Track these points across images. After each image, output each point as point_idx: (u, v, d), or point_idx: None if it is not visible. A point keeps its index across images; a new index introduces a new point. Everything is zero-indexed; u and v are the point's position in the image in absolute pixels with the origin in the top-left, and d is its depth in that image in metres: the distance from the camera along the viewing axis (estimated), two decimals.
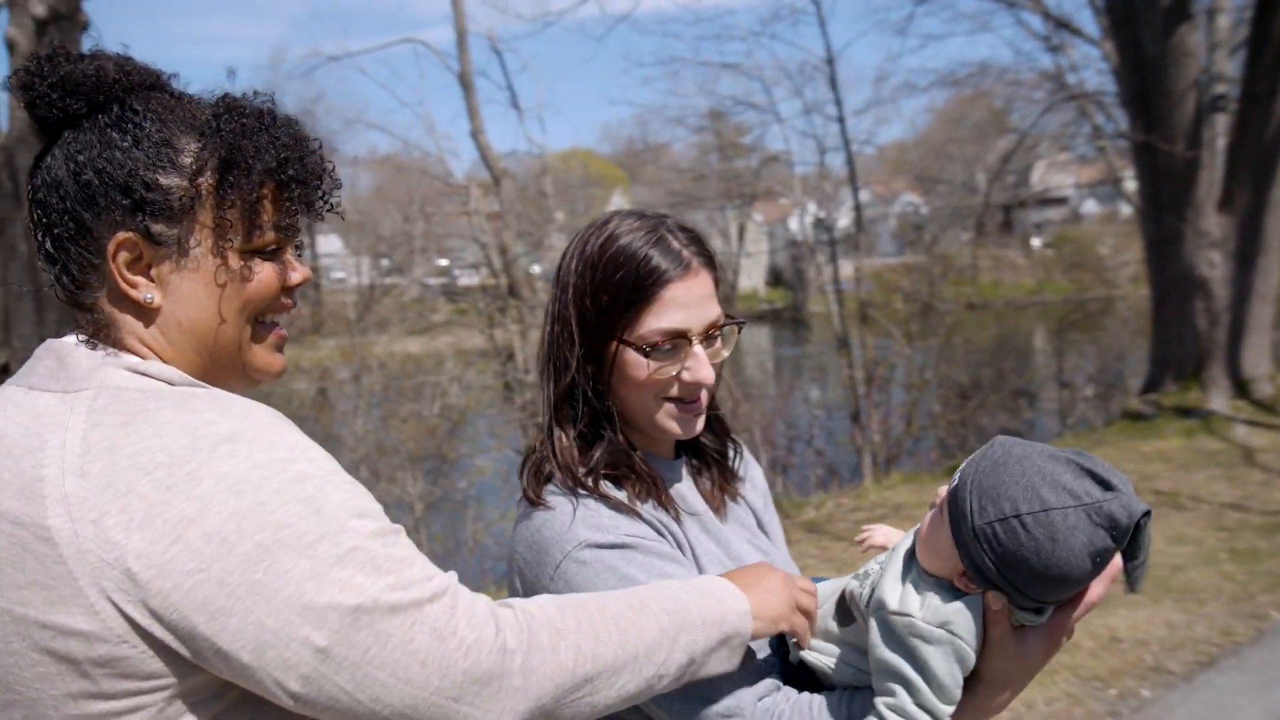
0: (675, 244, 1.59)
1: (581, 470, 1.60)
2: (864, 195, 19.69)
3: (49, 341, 1.27)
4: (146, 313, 1.27)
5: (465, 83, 14.28)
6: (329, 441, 10.78)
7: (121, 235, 1.23)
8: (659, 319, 1.57)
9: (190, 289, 1.27)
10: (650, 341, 1.57)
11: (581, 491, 1.58)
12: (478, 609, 1.20)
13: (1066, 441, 12.06)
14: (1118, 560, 1.32)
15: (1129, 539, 1.27)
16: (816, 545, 9.12)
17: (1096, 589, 1.36)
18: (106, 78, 1.25)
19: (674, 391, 1.61)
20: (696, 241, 1.62)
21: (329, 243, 50.99)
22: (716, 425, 1.81)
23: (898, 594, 1.41)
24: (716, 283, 1.64)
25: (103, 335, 1.26)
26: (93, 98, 1.25)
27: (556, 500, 1.58)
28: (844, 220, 22.81)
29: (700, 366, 1.60)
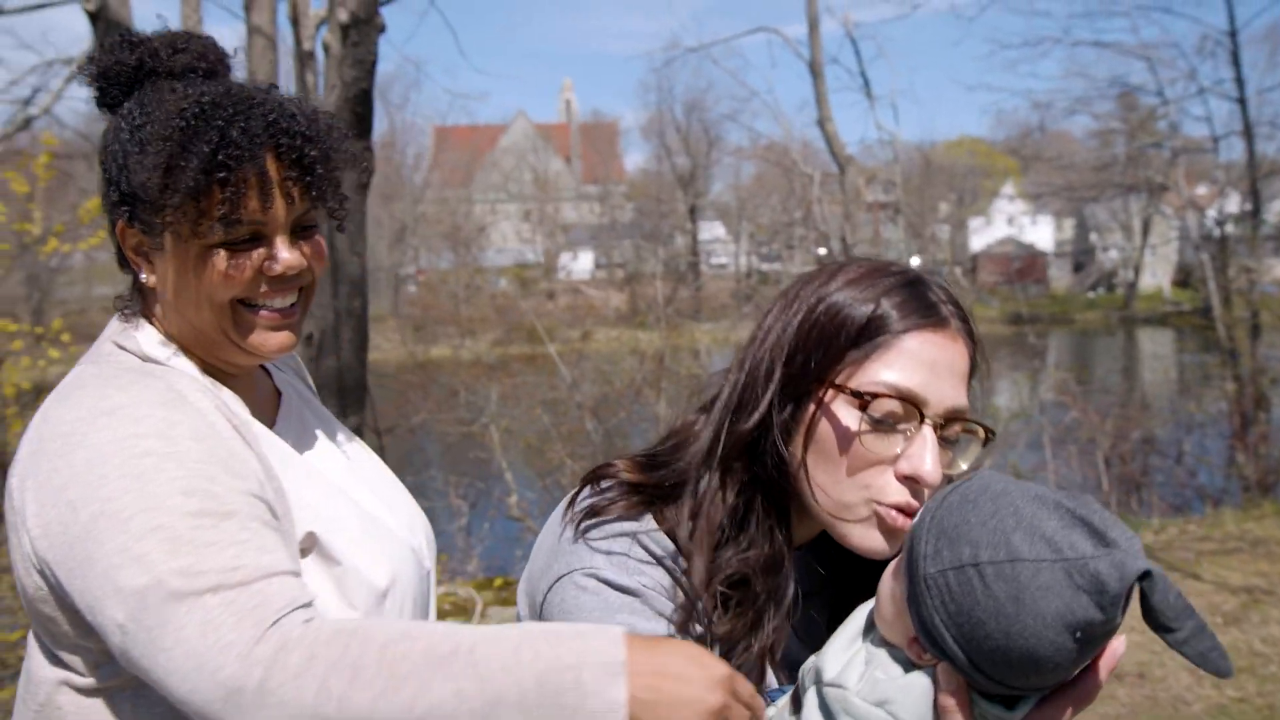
0: (933, 295, 1.26)
1: (700, 565, 1.23)
2: None
3: None
4: (156, 290, 1.37)
5: (815, 70, 14.22)
6: (643, 423, 11.24)
7: (121, 222, 1.34)
8: (889, 369, 1.21)
9: (171, 276, 1.34)
10: (871, 394, 1.20)
11: (666, 563, 1.24)
12: (263, 609, 1.08)
13: None
14: (1119, 645, 1.01)
15: (1124, 610, 0.95)
16: None
17: (1096, 681, 1.02)
18: (126, 68, 1.36)
19: (881, 485, 1.22)
20: (958, 306, 1.28)
21: (712, 228, 52.91)
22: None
23: (841, 662, 1.13)
24: (973, 369, 1.28)
25: (135, 307, 1.42)
26: (125, 87, 1.37)
27: (620, 532, 1.25)
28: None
29: (926, 456, 1.19)
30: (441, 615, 8.48)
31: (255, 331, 1.37)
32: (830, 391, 1.22)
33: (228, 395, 1.38)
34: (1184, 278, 47.68)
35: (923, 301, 1.24)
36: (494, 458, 11.36)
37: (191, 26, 5.50)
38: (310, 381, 1.74)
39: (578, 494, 1.33)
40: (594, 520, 1.26)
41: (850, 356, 1.22)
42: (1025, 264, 56.83)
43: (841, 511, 1.23)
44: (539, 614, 1.26)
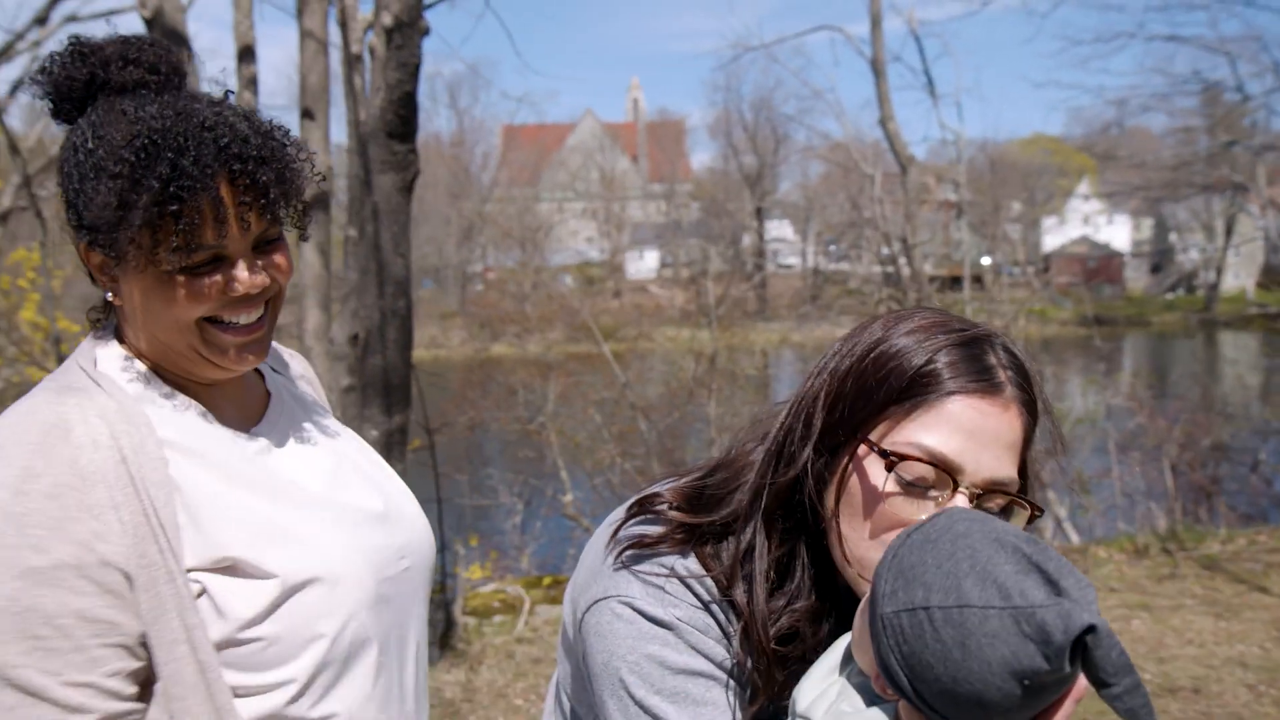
0: (992, 359, 1.21)
1: (758, 615, 1.24)
2: None
3: None
4: (123, 308, 1.38)
5: (877, 69, 14.05)
6: (697, 423, 11.22)
7: (82, 244, 1.34)
8: (926, 431, 1.17)
9: (137, 297, 1.35)
10: (900, 455, 1.17)
11: (710, 605, 1.25)
12: None
13: None
14: (1081, 686, 0.99)
15: (1076, 660, 0.94)
16: (1205, 584, 8.01)
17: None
18: (78, 83, 1.35)
19: None
20: (1023, 374, 1.23)
21: (779, 228, 52.62)
22: None
23: (815, 693, 1.15)
24: (1028, 443, 1.23)
25: (108, 321, 1.45)
26: (78, 102, 1.36)
27: (662, 567, 1.26)
28: None
29: None
30: (489, 612, 8.58)
31: (224, 348, 1.38)
32: (864, 447, 1.20)
33: (168, 414, 1.38)
34: (1270, 279, 46.13)
35: (978, 364, 1.20)
36: (549, 456, 11.43)
37: (243, 31, 5.62)
38: (315, 384, 1.76)
39: (625, 520, 1.34)
40: (637, 551, 1.27)
41: (890, 411, 1.20)
42: (1100, 264, 55.59)
43: (863, 569, 1.20)
44: (578, 629, 1.29)
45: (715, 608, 1.25)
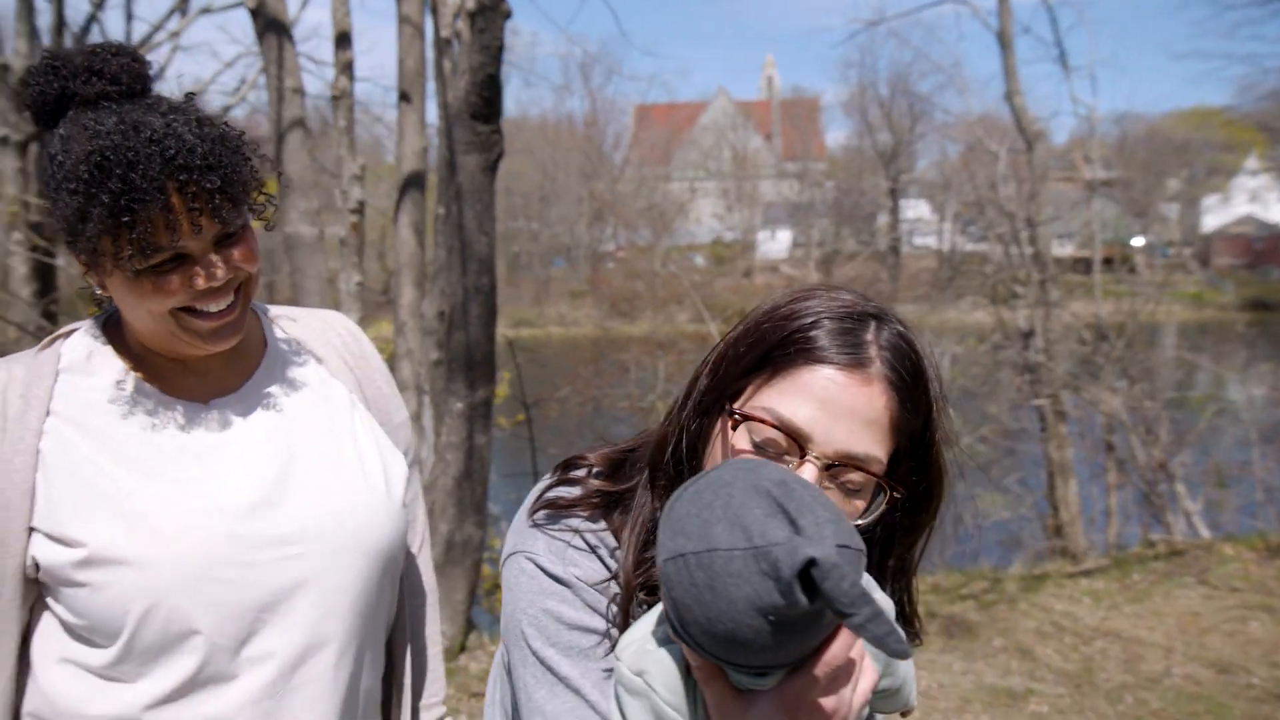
0: (868, 336, 1.22)
1: (628, 565, 1.28)
2: None
3: None
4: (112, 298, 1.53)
5: (1004, 42, 13.54)
6: None
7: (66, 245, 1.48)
8: (780, 398, 1.21)
9: (115, 291, 1.49)
10: (746, 415, 1.22)
11: (605, 559, 1.31)
12: None
13: None
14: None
15: (817, 596, 0.96)
16: None
17: (834, 653, 1.05)
18: (50, 97, 1.48)
19: None
20: (902, 358, 1.23)
21: (915, 207, 51.30)
22: None
23: (633, 635, 1.20)
24: (896, 429, 1.23)
25: (110, 306, 1.60)
26: (52, 113, 1.49)
27: (568, 526, 1.33)
28: None
29: None
30: None
31: (198, 332, 1.51)
32: (724, 413, 1.24)
33: (87, 389, 1.54)
34: None
35: (849, 339, 1.21)
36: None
37: (340, 18, 5.82)
38: (351, 351, 1.81)
39: (548, 483, 1.40)
40: (550, 512, 1.34)
41: (756, 377, 1.23)
42: (1269, 245, 52.27)
43: None
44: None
45: (608, 559, 1.31)
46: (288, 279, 6.26)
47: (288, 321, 1.79)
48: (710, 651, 1.05)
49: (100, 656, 1.47)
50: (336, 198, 5.85)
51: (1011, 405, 12.14)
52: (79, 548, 1.43)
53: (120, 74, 1.47)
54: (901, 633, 0.98)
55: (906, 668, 1.30)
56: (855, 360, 1.20)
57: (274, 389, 1.67)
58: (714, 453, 1.26)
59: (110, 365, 1.55)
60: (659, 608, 1.22)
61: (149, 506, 1.48)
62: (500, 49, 5.33)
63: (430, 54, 6.33)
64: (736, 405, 1.24)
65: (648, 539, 1.29)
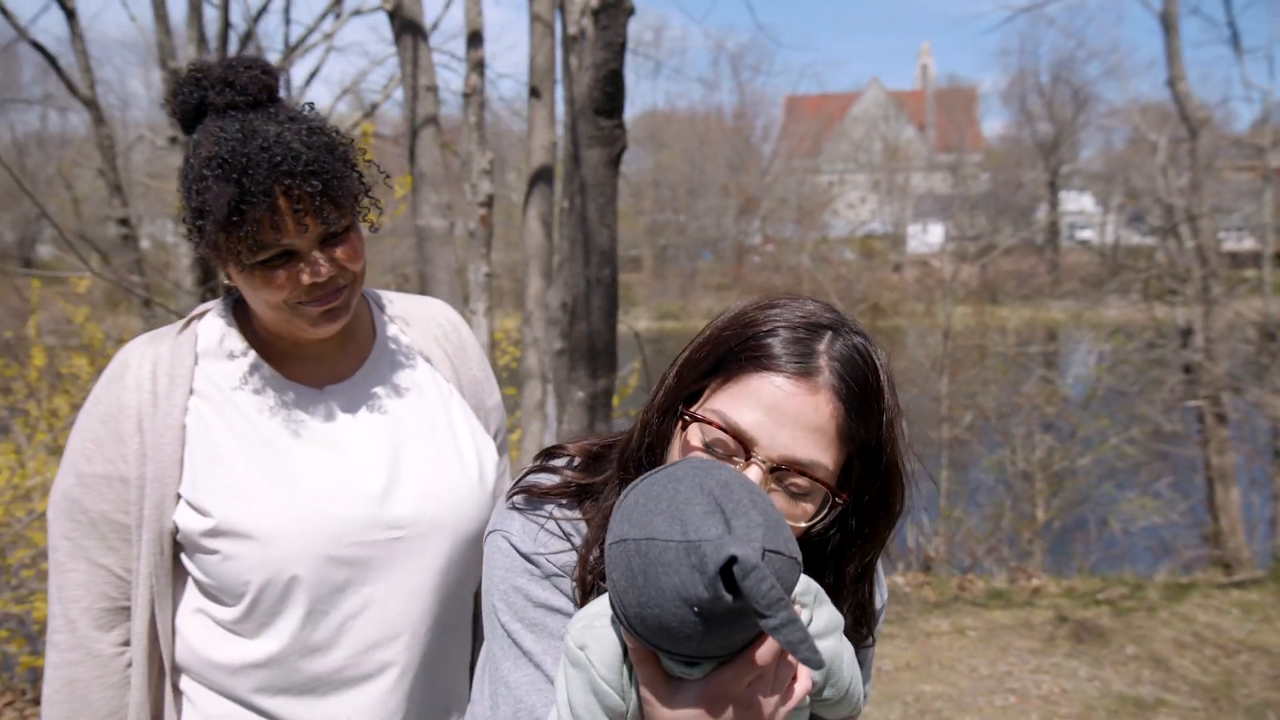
0: (819, 346, 1.27)
1: (589, 552, 1.36)
2: None
3: None
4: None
5: (1168, 24, 12.87)
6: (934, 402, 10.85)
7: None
8: (729, 402, 1.27)
9: (237, 281, 1.65)
10: (694, 416, 1.29)
11: (575, 545, 1.38)
12: None
13: None
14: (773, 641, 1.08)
15: (743, 592, 1.01)
16: None
17: (762, 652, 1.10)
18: (190, 107, 1.65)
19: None
20: (852, 369, 1.27)
21: (1077, 199, 49.14)
22: None
23: (586, 610, 1.26)
24: (844, 438, 1.27)
25: (237, 292, 1.75)
26: (190, 121, 1.66)
27: (543, 511, 1.41)
28: None
29: None
30: None
31: (308, 322, 1.66)
32: (681, 416, 1.31)
33: (220, 370, 1.70)
34: None
35: (799, 348, 1.26)
36: None
37: (473, 17, 6.04)
38: (452, 341, 1.93)
39: (529, 469, 1.49)
40: (527, 496, 1.43)
41: (711, 380, 1.30)
42: None
43: None
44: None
45: (578, 545, 1.38)
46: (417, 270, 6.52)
47: (395, 310, 1.91)
48: (643, 636, 1.10)
49: (226, 613, 1.63)
50: (466, 191, 6.08)
51: (1166, 407, 11.56)
52: (208, 517, 1.59)
53: (249, 85, 1.62)
54: (816, 645, 1.01)
55: (853, 677, 1.33)
56: (803, 369, 1.25)
57: (382, 378, 1.80)
58: (672, 451, 1.33)
59: (238, 348, 1.71)
60: None
61: (273, 485, 1.63)
62: (623, 45, 5.43)
63: (559, 51, 6.50)
64: (692, 408, 1.30)
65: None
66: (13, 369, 7.67)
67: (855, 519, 1.36)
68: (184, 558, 1.65)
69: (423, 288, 6.35)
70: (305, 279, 1.59)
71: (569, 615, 1.36)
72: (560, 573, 1.37)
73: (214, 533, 1.59)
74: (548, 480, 1.45)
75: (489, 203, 6.06)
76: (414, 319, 1.92)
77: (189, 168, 1.59)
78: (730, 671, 1.12)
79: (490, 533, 1.45)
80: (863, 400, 1.27)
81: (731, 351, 1.29)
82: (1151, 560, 10.35)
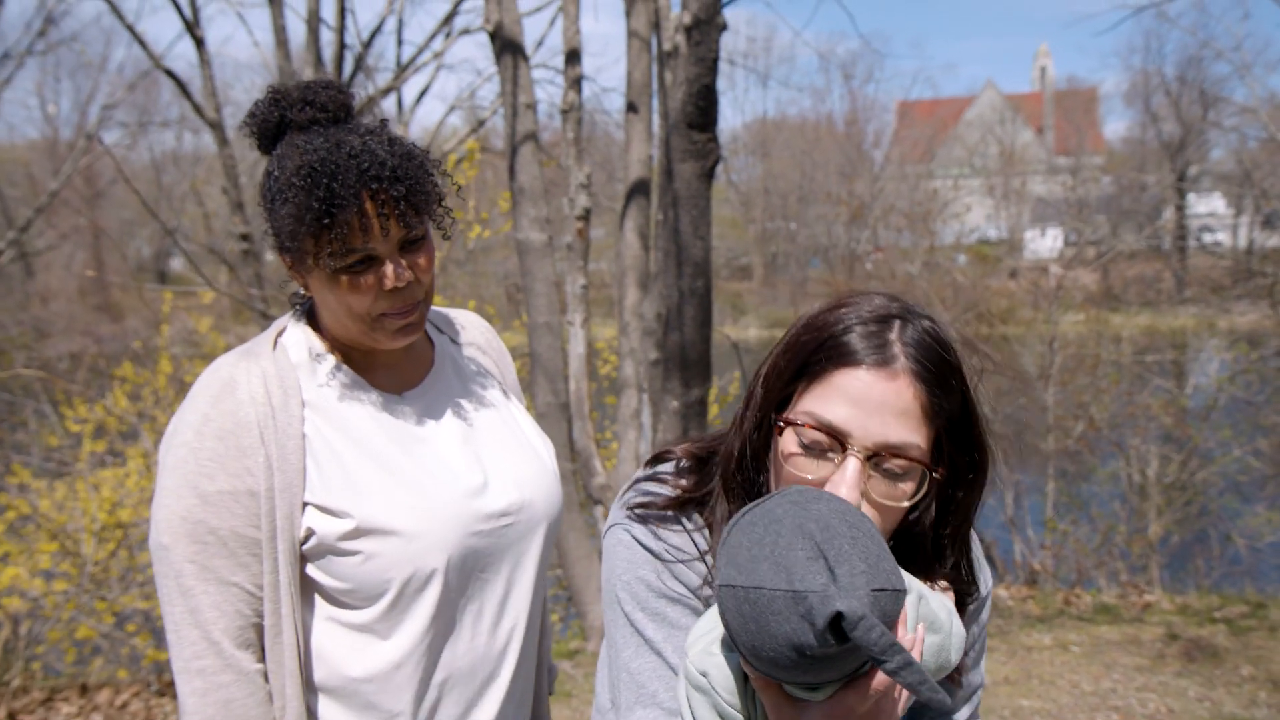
0: (891, 335, 1.35)
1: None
2: None
3: None
4: (313, 297, 1.76)
5: None
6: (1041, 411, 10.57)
7: (277, 248, 1.71)
8: (817, 401, 1.34)
9: (317, 290, 1.72)
10: (790, 421, 1.36)
11: (699, 544, 1.48)
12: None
13: None
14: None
15: (853, 641, 1.08)
16: None
17: (878, 680, 1.19)
18: (271, 124, 1.75)
19: None
20: (926, 351, 1.35)
21: (1208, 201, 47.11)
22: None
23: (699, 629, 1.36)
24: (930, 415, 1.34)
25: (304, 305, 1.83)
26: (272, 137, 1.76)
27: (661, 518, 1.50)
28: None
29: (841, 484, 1.31)
30: None
31: (385, 332, 1.74)
32: (776, 421, 1.39)
33: (319, 380, 1.77)
34: None
35: (874, 340, 1.34)
36: None
37: (570, 37, 6.20)
38: (493, 351, 2.07)
39: (641, 475, 1.59)
40: (644, 504, 1.53)
41: (798, 385, 1.38)
42: None
43: None
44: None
45: (708, 558, 1.47)
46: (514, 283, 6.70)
47: (442, 321, 2.03)
48: (761, 670, 1.19)
49: (361, 616, 1.71)
50: (564, 205, 6.24)
51: None
52: (348, 519, 1.66)
53: (328, 103, 1.72)
54: (933, 682, 1.08)
55: (957, 648, 1.38)
56: (881, 359, 1.33)
57: (449, 383, 1.91)
58: (773, 457, 1.41)
59: (325, 359, 1.79)
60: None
61: (403, 483, 1.72)
62: (715, 60, 5.52)
63: (655, 67, 6.62)
64: (785, 413, 1.38)
65: None
66: (143, 376, 8.15)
67: (951, 489, 1.44)
68: (310, 569, 1.70)
69: (524, 299, 6.56)
70: (388, 283, 1.66)
71: (689, 605, 1.45)
72: (682, 562, 1.46)
73: (355, 533, 1.66)
74: (660, 489, 1.54)
75: (586, 216, 6.22)
76: (460, 328, 2.03)
77: (272, 181, 1.67)
78: (853, 695, 1.20)
79: (611, 526, 1.53)
80: (940, 377, 1.35)
81: (812, 354, 1.37)
82: (1278, 578, 9.90)
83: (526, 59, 6.11)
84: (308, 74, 8.66)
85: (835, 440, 1.32)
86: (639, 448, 6.39)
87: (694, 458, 1.57)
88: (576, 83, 6.24)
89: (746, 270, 47.74)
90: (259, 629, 1.66)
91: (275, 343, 1.78)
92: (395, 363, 1.85)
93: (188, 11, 8.91)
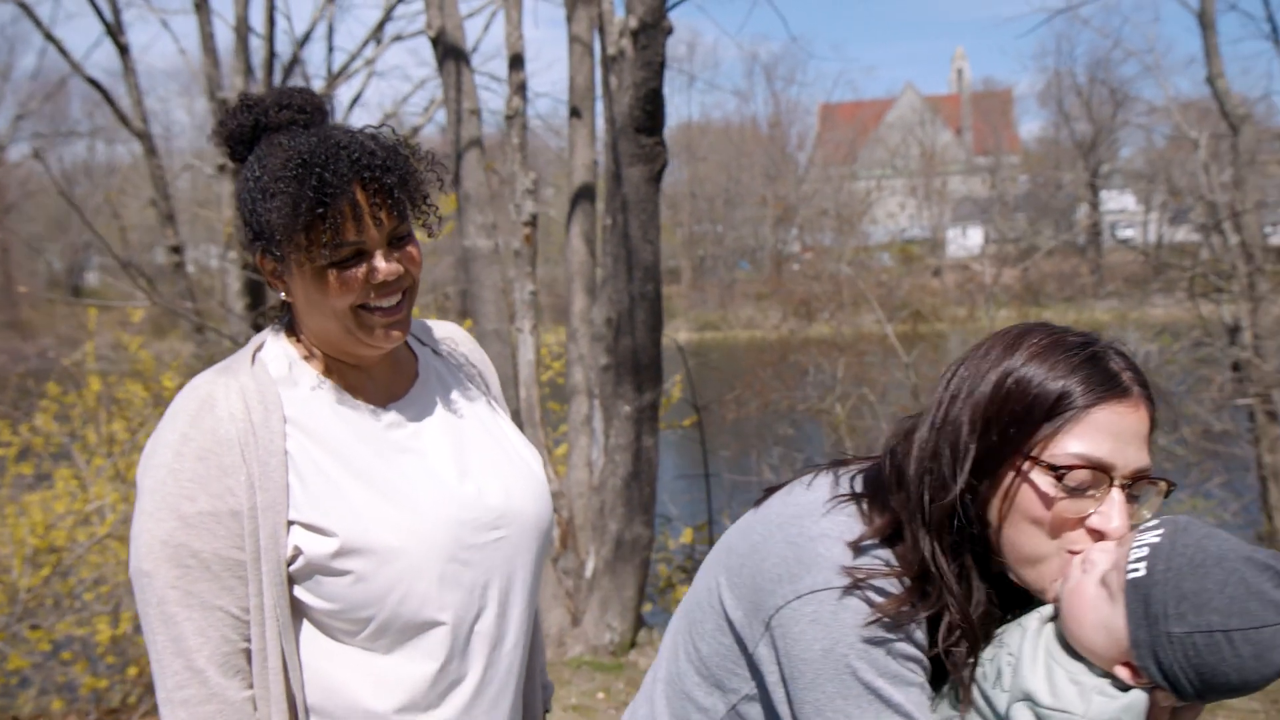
0: (1113, 365, 1.40)
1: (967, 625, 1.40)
2: None
3: None
4: (293, 304, 1.70)
5: (1205, 21, 12.77)
6: None
7: (258, 254, 1.67)
8: (1080, 442, 1.36)
9: (301, 292, 1.66)
10: (1065, 466, 1.35)
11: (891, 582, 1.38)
12: None
13: None
14: None
15: None
16: None
17: None
18: (246, 128, 1.71)
19: (1074, 539, 1.38)
20: (1137, 371, 1.41)
21: (1118, 199, 48.58)
22: None
23: (1047, 684, 1.35)
24: (1153, 427, 1.41)
25: (284, 317, 1.80)
26: (246, 144, 1.72)
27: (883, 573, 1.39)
28: None
29: (1114, 516, 1.35)
30: None
31: (372, 327, 1.68)
32: (1028, 463, 1.37)
33: (301, 396, 1.71)
34: None
35: (1105, 374, 1.38)
36: (833, 437, 11.45)
37: (514, 42, 6.15)
38: (476, 358, 2.03)
39: (825, 511, 1.46)
40: (848, 547, 1.41)
41: (1044, 430, 1.37)
42: None
43: (1036, 562, 1.40)
44: (774, 614, 1.42)
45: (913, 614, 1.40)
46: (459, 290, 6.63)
47: (423, 332, 1.98)
48: (1208, 699, 1.29)
49: (353, 637, 1.65)
50: (510, 211, 6.19)
51: (1215, 405, 11.42)
52: (332, 538, 1.60)
53: (304, 105, 1.68)
54: None
55: None
56: (1121, 390, 1.38)
57: (434, 393, 1.85)
58: (1019, 503, 1.38)
59: (306, 373, 1.73)
60: (1028, 647, 1.38)
61: (387, 499, 1.66)
62: (662, 64, 5.53)
63: (598, 71, 6.60)
64: (1044, 458, 1.36)
65: (969, 593, 1.43)
66: (70, 396, 7.88)
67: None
68: (299, 590, 1.65)
69: (469, 307, 6.49)
70: (378, 275, 1.62)
71: (920, 663, 1.39)
72: (912, 622, 1.38)
73: (341, 552, 1.61)
74: (857, 528, 1.45)
75: (533, 222, 6.17)
76: (441, 339, 1.99)
77: (254, 180, 1.63)
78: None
79: (823, 590, 1.40)
80: (1150, 391, 1.41)
81: (1054, 401, 1.37)
82: None
83: (470, 65, 6.05)
84: (237, 82, 8.46)
85: (1102, 475, 1.35)
86: (590, 453, 6.36)
87: (871, 485, 1.50)
88: (521, 88, 6.20)
89: (675, 274, 47.85)
90: (248, 654, 1.61)
91: (254, 358, 1.73)
92: (379, 375, 1.80)
93: (110, 16, 8.65)
